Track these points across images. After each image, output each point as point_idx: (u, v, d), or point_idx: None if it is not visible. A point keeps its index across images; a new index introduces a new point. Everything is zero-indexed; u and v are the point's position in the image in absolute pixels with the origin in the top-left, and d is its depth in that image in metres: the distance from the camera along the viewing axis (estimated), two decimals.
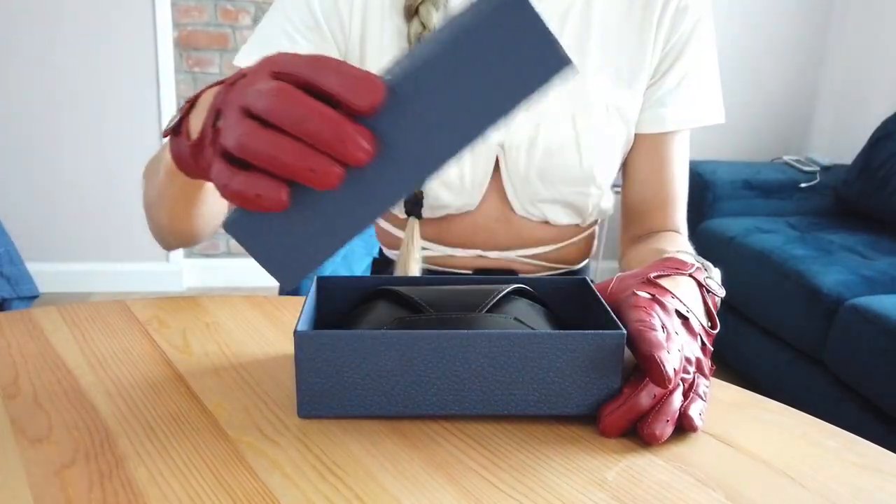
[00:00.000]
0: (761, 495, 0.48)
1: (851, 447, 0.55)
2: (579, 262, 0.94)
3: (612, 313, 0.56)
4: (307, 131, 0.38)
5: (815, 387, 1.91)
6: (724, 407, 0.60)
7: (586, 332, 0.52)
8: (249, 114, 0.40)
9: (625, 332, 0.53)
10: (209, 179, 0.46)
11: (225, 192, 0.41)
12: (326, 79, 0.39)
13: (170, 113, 2.58)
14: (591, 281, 0.62)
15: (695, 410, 0.54)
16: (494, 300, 0.57)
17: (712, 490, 0.48)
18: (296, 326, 0.52)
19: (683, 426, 0.53)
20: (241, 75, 0.44)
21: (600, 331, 0.53)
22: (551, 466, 0.50)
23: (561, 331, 0.53)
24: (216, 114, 0.44)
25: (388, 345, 0.51)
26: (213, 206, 0.71)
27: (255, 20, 2.57)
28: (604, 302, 0.58)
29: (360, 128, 0.39)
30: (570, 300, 0.65)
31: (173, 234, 0.74)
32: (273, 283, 2.72)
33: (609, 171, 0.85)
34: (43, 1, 2.40)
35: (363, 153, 0.39)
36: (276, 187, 0.40)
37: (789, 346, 2.02)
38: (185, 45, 2.55)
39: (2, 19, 2.39)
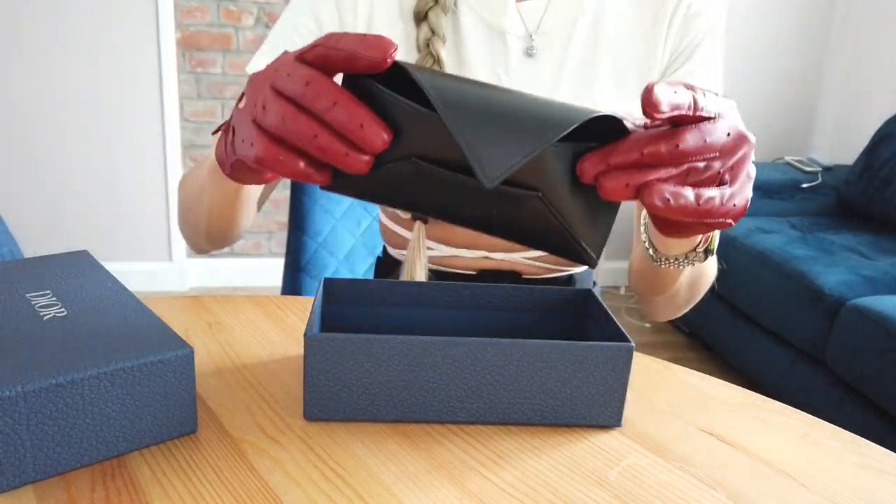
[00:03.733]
0: (762, 495, 0.48)
1: (853, 447, 0.55)
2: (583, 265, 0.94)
3: (617, 317, 0.56)
4: (335, 118, 0.43)
5: (816, 387, 1.91)
6: (726, 407, 0.60)
7: (594, 343, 0.53)
8: (283, 95, 0.44)
9: (633, 344, 0.53)
10: (250, 168, 0.50)
11: (268, 165, 0.45)
12: (345, 44, 0.43)
13: (172, 113, 2.58)
14: (601, 293, 0.62)
15: (662, 190, 0.44)
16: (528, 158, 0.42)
17: (713, 490, 0.49)
18: (306, 329, 0.52)
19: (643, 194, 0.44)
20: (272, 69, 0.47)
21: (608, 342, 0.53)
22: (553, 466, 0.50)
23: (568, 342, 0.53)
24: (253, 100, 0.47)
25: (397, 350, 0.52)
26: (248, 206, 0.76)
27: (258, 21, 2.58)
28: (610, 313, 0.58)
29: (374, 119, 0.43)
30: (577, 311, 0.65)
31: (208, 234, 0.79)
32: (276, 283, 2.72)
33: None
34: (45, 1, 2.40)
35: (381, 142, 0.43)
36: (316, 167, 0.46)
37: (791, 347, 2.01)
38: (187, 45, 2.56)
39: (4, 20, 2.39)
